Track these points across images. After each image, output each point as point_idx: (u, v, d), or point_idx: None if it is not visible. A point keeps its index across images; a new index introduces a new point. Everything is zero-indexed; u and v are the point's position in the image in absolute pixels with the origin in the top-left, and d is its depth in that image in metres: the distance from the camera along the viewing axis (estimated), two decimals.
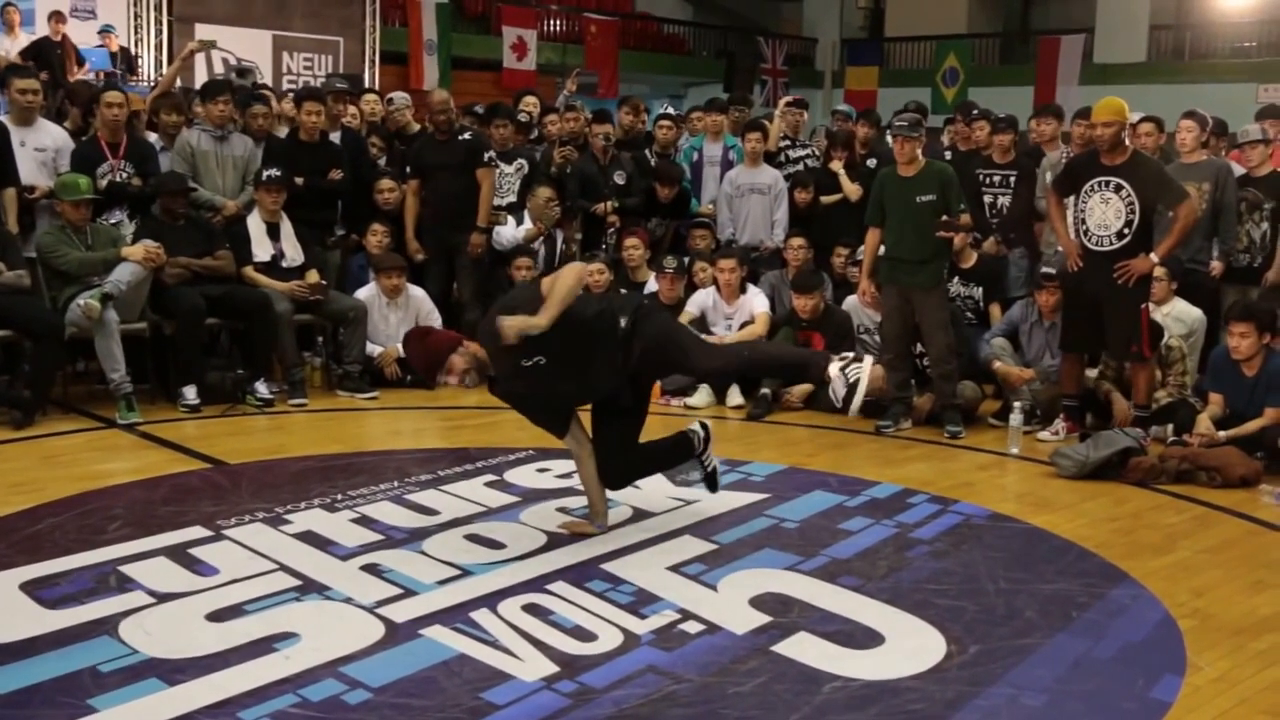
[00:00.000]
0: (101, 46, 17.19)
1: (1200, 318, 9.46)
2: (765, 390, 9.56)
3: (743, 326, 9.97)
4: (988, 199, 10.84)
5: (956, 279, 10.12)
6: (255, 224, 9.64)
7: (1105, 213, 8.38)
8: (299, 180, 9.90)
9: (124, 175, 9.41)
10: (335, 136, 10.61)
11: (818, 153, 12.20)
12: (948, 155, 11.50)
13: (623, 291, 10.01)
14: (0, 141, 8.87)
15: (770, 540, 6.29)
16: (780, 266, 10.86)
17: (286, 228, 9.71)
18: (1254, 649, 5.09)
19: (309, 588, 5.40)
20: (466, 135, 10.62)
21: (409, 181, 10.61)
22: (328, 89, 11.30)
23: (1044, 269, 9.68)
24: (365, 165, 10.78)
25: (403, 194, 10.58)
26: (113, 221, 9.39)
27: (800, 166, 11.86)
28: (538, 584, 5.50)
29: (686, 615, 5.20)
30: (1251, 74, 26.97)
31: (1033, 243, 10.81)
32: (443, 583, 5.50)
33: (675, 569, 5.78)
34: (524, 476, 7.28)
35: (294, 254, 9.68)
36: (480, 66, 26.46)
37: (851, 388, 6.26)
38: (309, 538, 6.08)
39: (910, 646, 4.97)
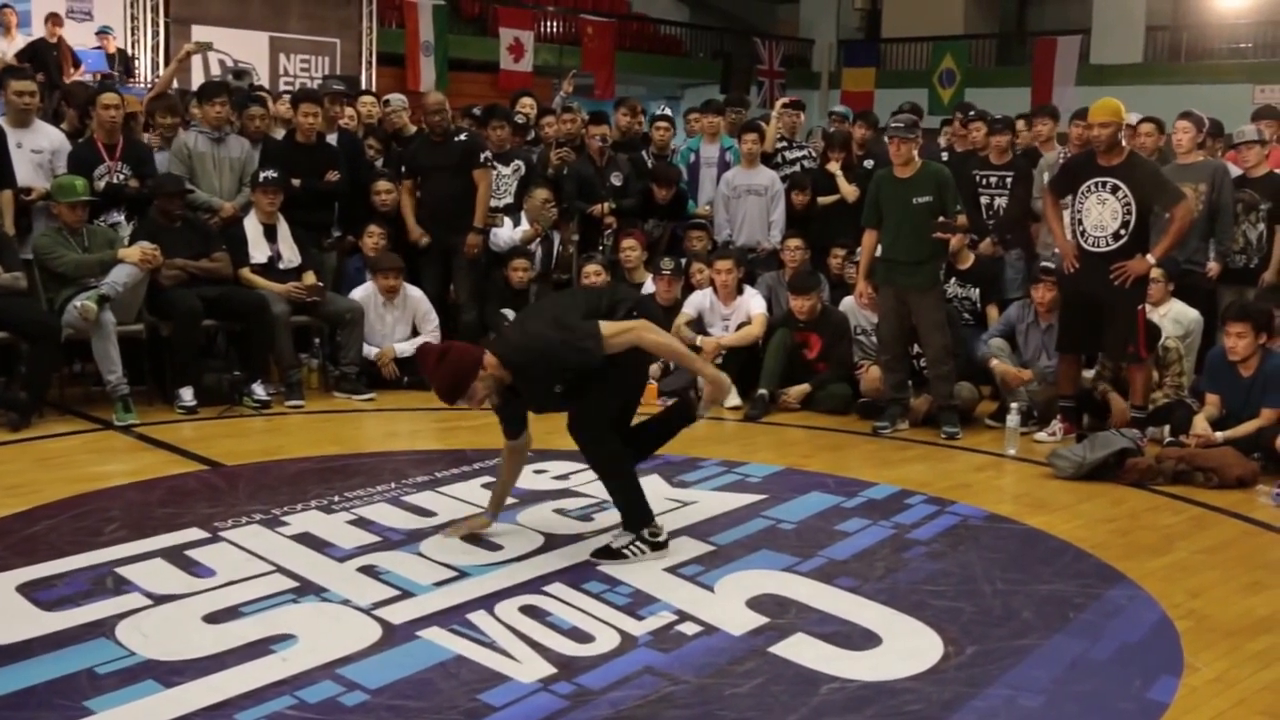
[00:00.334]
0: (98, 48, 17.17)
1: (1197, 319, 9.47)
2: (763, 391, 9.56)
3: (739, 327, 9.98)
4: (984, 200, 10.84)
5: (953, 280, 10.13)
6: (252, 225, 9.63)
7: (1102, 214, 8.39)
8: (296, 182, 9.90)
9: (121, 177, 9.41)
10: (332, 138, 10.60)
11: (814, 154, 12.20)
12: (944, 156, 11.50)
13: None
14: None
15: (767, 541, 6.29)
16: (777, 267, 10.86)
17: (283, 229, 9.71)
18: (1251, 649, 5.10)
19: (306, 589, 5.40)
20: (462, 136, 10.63)
21: (404, 181, 10.61)
22: (324, 91, 11.29)
23: (1042, 264, 9.68)
24: (362, 167, 10.78)
25: (399, 195, 10.57)
26: (110, 223, 9.39)
27: (797, 168, 11.86)
28: (535, 585, 5.50)
29: (684, 616, 5.21)
30: (1248, 75, 26.98)
31: (1029, 244, 10.83)
32: (440, 584, 5.50)
33: (672, 570, 5.78)
34: (521, 478, 7.24)
35: (291, 255, 9.68)
36: (477, 68, 26.46)
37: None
38: (306, 539, 6.07)
39: (907, 647, 4.97)
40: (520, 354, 5.64)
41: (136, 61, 18.56)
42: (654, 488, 7.07)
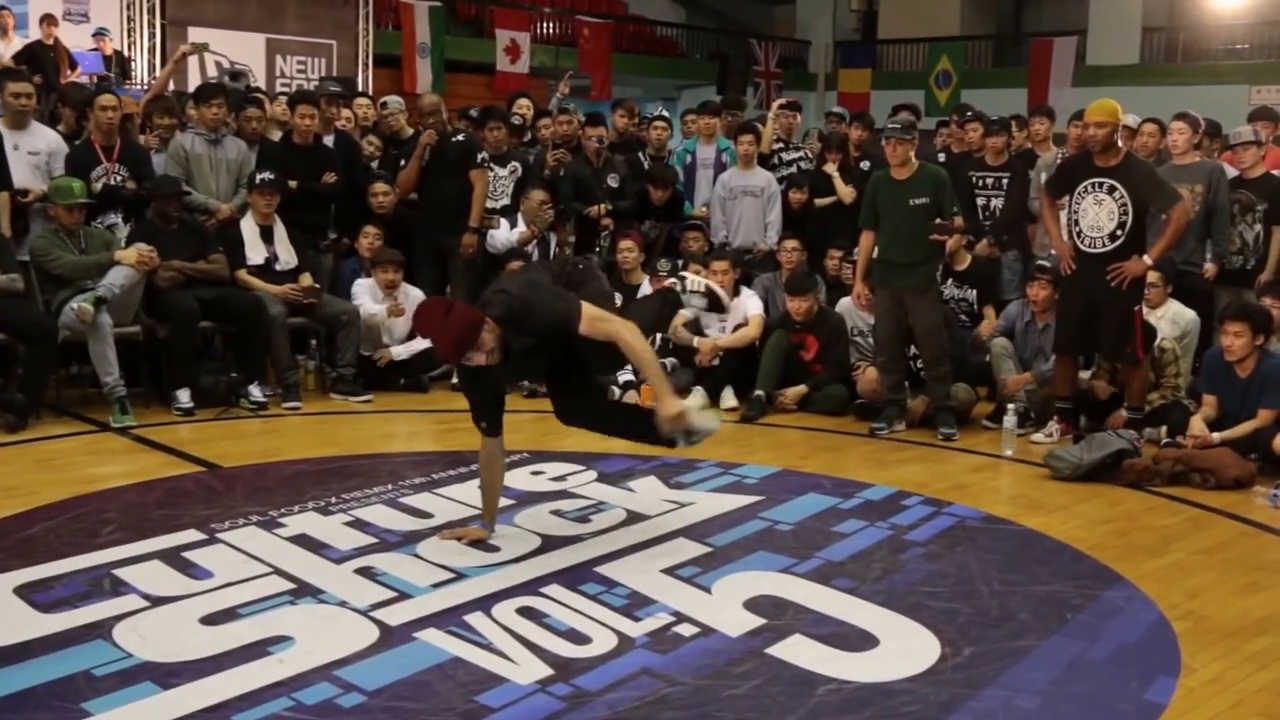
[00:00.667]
0: (95, 50, 17.18)
1: (1194, 319, 9.48)
2: (759, 392, 9.56)
3: (737, 329, 9.98)
4: (980, 201, 10.86)
5: (950, 281, 10.15)
6: (249, 227, 9.63)
7: (1098, 214, 8.39)
8: (292, 184, 9.89)
9: (118, 178, 9.41)
10: (329, 140, 10.60)
11: (811, 155, 12.21)
12: (941, 158, 11.50)
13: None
14: None
15: (764, 543, 6.29)
16: (774, 269, 10.87)
17: (280, 231, 9.71)
18: (1248, 650, 5.10)
19: (303, 591, 5.40)
20: (459, 137, 10.62)
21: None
22: (321, 92, 11.29)
23: (1039, 262, 9.69)
24: (358, 168, 10.78)
25: (397, 197, 10.58)
26: (108, 224, 9.39)
27: (794, 169, 11.87)
28: (532, 587, 5.50)
29: (681, 618, 5.21)
30: (1244, 75, 26.99)
31: (1026, 245, 10.84)
32: (437, 586, 5.50)
33: (669, 571, 5.78)
34: (518, 479, 7.27)
35: (287, 257, 9.69)
36: (473, 69, 26.43)
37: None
38: (303, 541, 6.07)
39: (904, 649, 4.97)
40: (505, 308, 5.64)
41: (133, 63, 18.59)
42: (651, 489, 7.10)
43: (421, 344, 10.02)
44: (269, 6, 20.36)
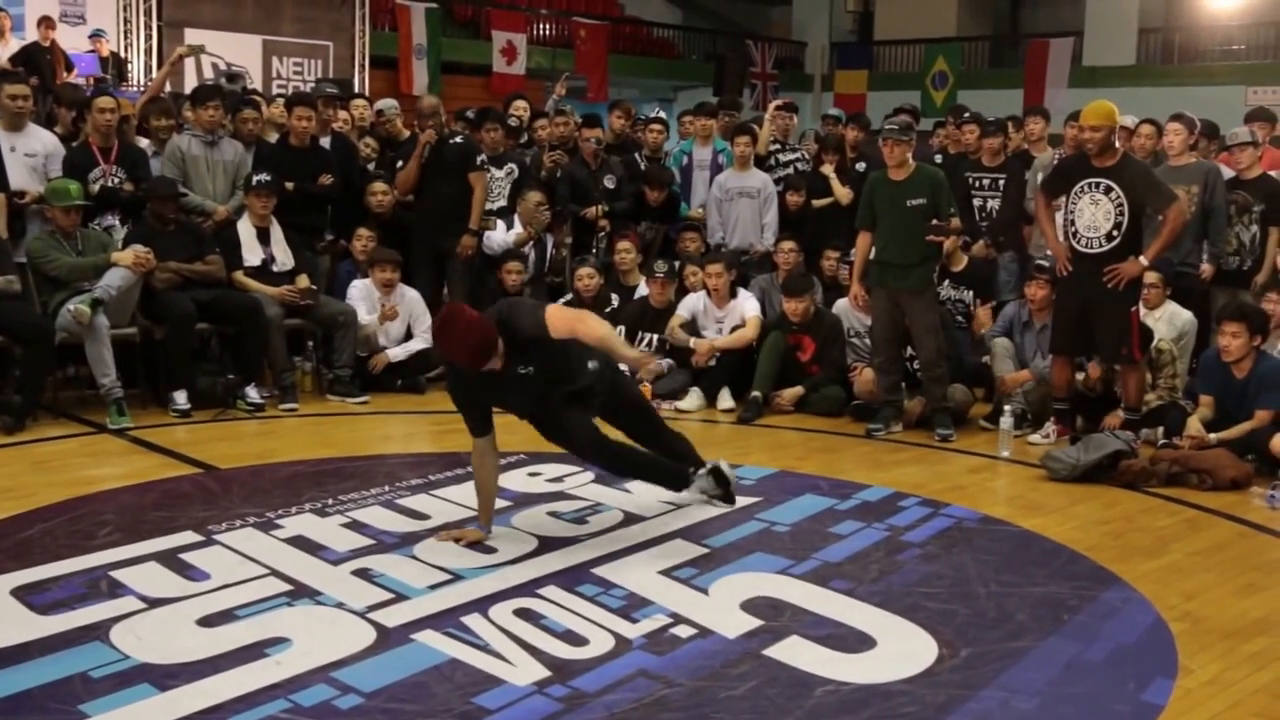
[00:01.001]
0: (92, 52, 17.18)
1: (1191, 320, 9.48)
2: (756, 394, 9.55)
3: (733, 330, 9.98)
4: (977, 202, 10.88)
5: (947, 282, 10.15)
6: (245, 229, 9.63)
7: (1095, 214, 8.39)
8: (289, 185, 9.89)
9: (116, 180, 9.40)
10: (325, 142, 10.60)
11: (808, 156, 12.21)
12: (937, 159, 11.51)
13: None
14: None
15: (761, 544, 6.29)
16: (770, 270, 10.87)
17: (277, 232, 9.71)
18: (1245, 652, 5.10)
19: (300, 592, 5.40)
20: (457, 139, 10.62)
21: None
22: (318, 94, 11.29)
23: (1038, 262, 9.69)
24: (355, 170, 10.79)
25: (395, 197, 10.58)
26: (105, 226, 9.39)
27: (790, 170, 11.88)
28: (529, 588, 5.50)
29: (678, 619, 5.21)
30: (1240, 76, 27.00)
31: (1022, 246, 10.85)
32: (434, 587, 5.50)
33: (666, 573, 5.78)
34: (515, 481, 7.27)
35: (284, 259, 9.69)
36: (470, 71, 26.44)
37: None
38: (300, 542, 6.07)
39: (901, 650, 4.97)
40: (496, 314, 5.87)
41: (129, 65, 18.58)
42: (648, 490, 7.08)
43: (418, 345, 10.04)
44: (265, 8, 20.36)
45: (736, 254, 10.92)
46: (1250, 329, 8.26)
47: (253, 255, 9.59)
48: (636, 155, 11.95)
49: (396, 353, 9.98)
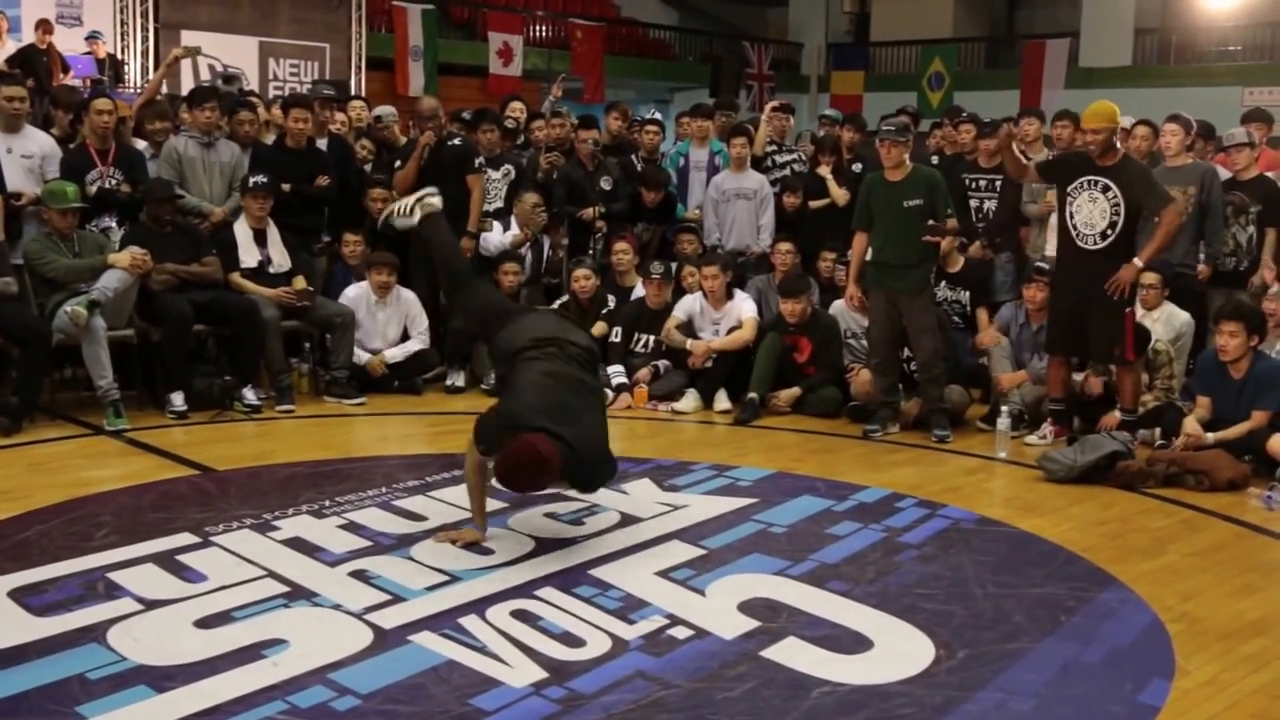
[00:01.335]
0: (88, 54, 17.17)
1: (1188, 321, 9.48)
2: (753, 395, 9.55)
3: (730, 331, 9.98)
4: (973, 203, 10.89)
5: (943, 283, 10.15)
6: (242, 230, 9.63)
7: (1091, 212, 8.39)
8: (286, 187, 9.89)
9: (113, 182, 9.39)
10: (322, 143, 10.59)
11: (804, 158, 12.21)
12: (934, 160, 11.52)
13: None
14: None
15: (758, 545, 6.29)
16: (767, 271, 10.87)
17: (273, 234, 9.70)
18: (1242, 653, 5.10)
19: (297, 594, 5.39)
20: (456, 141, 10.61)
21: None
22: (315, 96, 11.29)
23: (1036, 263, 9.70)
24: (351, 172, 10.78)
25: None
26: (103, 228, 9.38)
27: (787, 171, 11.87)
28: (526, 590, 5.50)
29: (675, 620, 5.21)
30: (1237, 77, 27.03)
31: (1019, 247, 10.84)
32: (431, 589, 5.50)
33: (663, 574, 5.78)
34: None
35: (281, 260, 9.68)
36: (466, 72, 26.44)
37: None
38: (297, 544, 6.07)
39: (898, 651, 4.97)
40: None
41: (126, 67, 18.56)
42: (645, 491, 7.10)
43: (415, 346, 10.04)
44: (262, 10, 20.35)
45: (733, 255, 10.91)
46: (1248, 329, 8.26)
47: (249, 257, 9.58)
48: (633, 157, 11.94)
49: (394, 354, 9.97)
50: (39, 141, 9.30)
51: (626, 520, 6.62)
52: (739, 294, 10.23)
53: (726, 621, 5.22)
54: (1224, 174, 10.26)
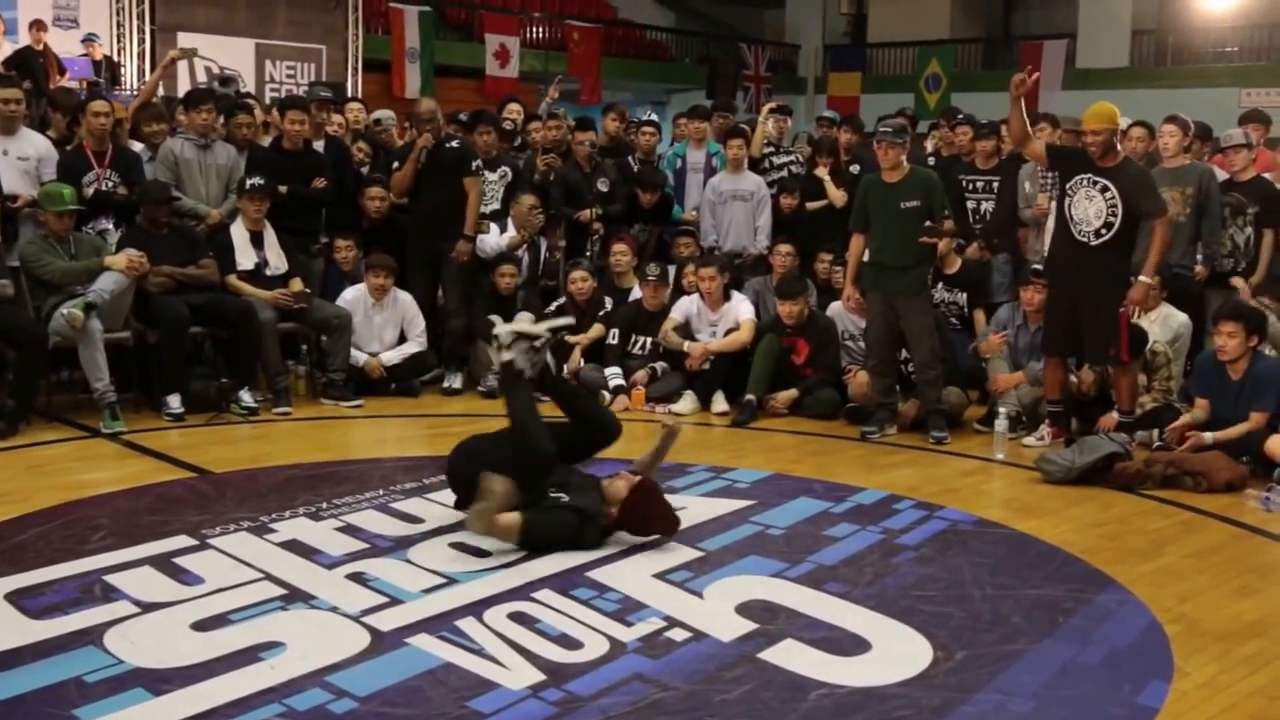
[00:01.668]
0: (85, 55, 17.16)
1: (1186, 322, 9.48)
2: (750, 397, 9.55)
3: (727, 333, 9.97)
4: (970, 204, 10.89)
5: (941, 284, 10.15)
6: (239, 232, 9.62)
7: (1088, 210, 8.37)
8: (282, 189, 9.89)
9: (110, 184, 9.39)
10: (319, 145, 10.58)
11: (801, 159, 12.20)
12: (931, 161, 11.52)
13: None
14: None
15: (756, 547, 6.29)
16: (764, 273, 10.87)
17: (270, 236, 9.70)
18: (1240, 654, 5.10)
19: (294, 597, 5.39)
20: (453, 143, 10.60)
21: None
22: (311, 97, 11.28)
23: (1033, 265, 9.69)
24: (348, 174, 10.77)
25: (391, 200, 10.56)
26: (99, 230, 9.38)
27: (784, 173, 11.86)
28: (523, 592, 5.49)
29: (673, 623, 5.20)
30: (1234, 78, 27.03)
31: (1016, 248, 10.84)
32: (428, 591, 5.49)
33: (661, 576, 5.77)
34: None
35: (278, 262, 9.67)
36: (463, 74, 26.45)
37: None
38: (294, 546, 6.06)
39: (896, 653, 4.97)
40: None
41: (123, 69, 18.55)
42: None
43: (412, 348, 10.04)
44: (258, 12, 20.37)
45: (730, 257, 10.90)
46: (1247, 329, 8.25)
47: (246, 259, 9.57)
48: (630, 158, 11.94)
49: (390, 356, 9.97)
50: (35, 143, 9.30)
51: None
52: (736, 295, 10.22)
53: (724, 624, 5.21)
54: (1221, 175, 10.26)
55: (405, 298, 10.14)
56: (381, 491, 7.10)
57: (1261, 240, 9.93)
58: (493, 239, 10.79)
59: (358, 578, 5.65)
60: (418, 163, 10.32)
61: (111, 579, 5.53)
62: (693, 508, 6.86)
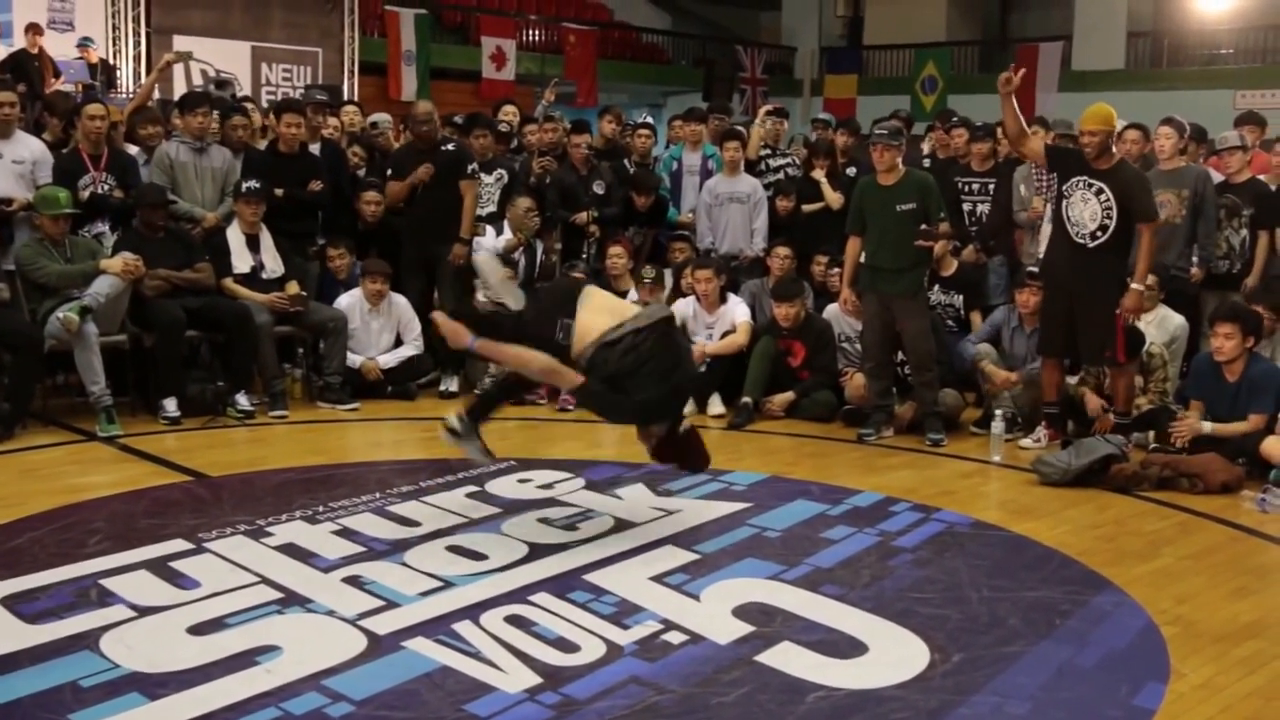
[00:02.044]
0: (80, 59, 17.16)
1: (1182, 324, 9.48)
2: (747, 399, 9.55)
3: (724, 335, 9.96)
4: (966, 207, 10.89)
5: (937, 287, 10.14)
6: (235, 236, 9.61)
7: (1083, 211, 8.37)
8: (278, 192, 9.87)
9: (106, 187, 9.39)
10: (315, 148, 10.58)
11: (798, 161, 12.20)
12: (927, 163, 11.52)
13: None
14: None
15: (753, 549, 6.29)
16: (760, 275, 10.87)
17: (266, 239, 9.69)
18: (1237, 655, 5.10)
19: (291, 600, 5.38)
20: (450, 146, 10.59)
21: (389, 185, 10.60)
22: (307, 100, 11.28)
23: (1029, 268, 9.69)
24: (344, 177, 10.76)
25: (385, 206, 10.55)
26: (95, 233, 9.37)
27: (780, 175, 11.86)
28: (520, 595, 5.49)
29: (669, 625, 5.20)
30: (1229, 81, 27.02)
31: (1012, 250, 10.84)
32: (425, 594, 5.49)
33: (658, 579, 5.77)
34: (505, 487, 7.28)
35: (274, 265, 9.67)
36: (459, 77, 26.43)
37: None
38: (290, 550, 6.06)
39: (893, 655, 4.97)
40: None
41: (118, 72, 18.55)
42: (639, 496, 7.09)
43: (408, 351, 10.03)
44: (254, 14, 20.37)
45: (726, 259, 10.89)
46: (1244, 330, 8.25)
47: (242, 262, 9.57)
48: (626, 161, 11.93)
49: (387, 359, 9.96)
50: (30, 147, 9.28)
51: (621, 525, 6.61)
52: (732, 298, 10.22)
53: (721, 626, 5.21)
54: (1217, 177, 10.27)
55: (401, 301, 10.13)
56: (378, 495, 7.10)
57: (1257, 242, 9.94)
58: (489, 242, 10.78)
59: (354, 581, 5.65)
60: (414, 185, 10.30)
61: (107, 583, 5.52)
62: (689, 510, 6.87)
